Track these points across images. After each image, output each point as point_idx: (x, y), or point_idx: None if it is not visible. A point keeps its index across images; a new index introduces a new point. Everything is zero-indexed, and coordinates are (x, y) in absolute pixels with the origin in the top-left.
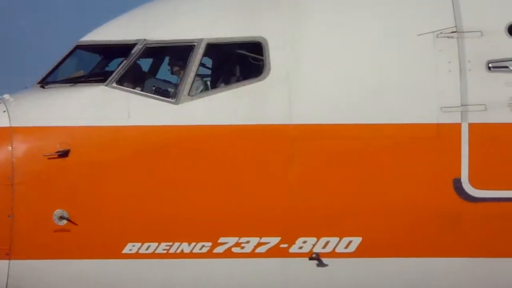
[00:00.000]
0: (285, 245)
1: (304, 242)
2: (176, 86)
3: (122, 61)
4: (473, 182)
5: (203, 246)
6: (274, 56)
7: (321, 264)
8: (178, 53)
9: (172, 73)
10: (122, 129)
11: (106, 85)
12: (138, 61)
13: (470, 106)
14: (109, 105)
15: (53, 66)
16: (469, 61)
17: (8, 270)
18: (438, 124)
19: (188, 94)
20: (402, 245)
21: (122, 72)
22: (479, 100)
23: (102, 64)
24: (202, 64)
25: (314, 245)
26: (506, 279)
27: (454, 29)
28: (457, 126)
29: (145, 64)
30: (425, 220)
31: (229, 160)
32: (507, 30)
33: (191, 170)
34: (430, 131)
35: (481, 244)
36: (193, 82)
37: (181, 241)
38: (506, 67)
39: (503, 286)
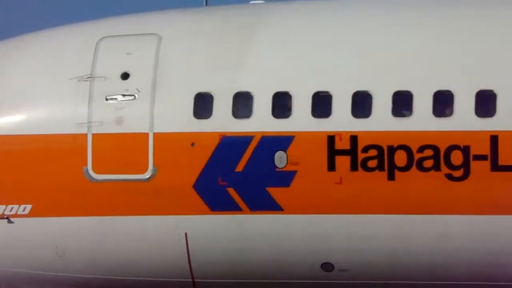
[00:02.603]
0: None
1: None
2: None
3: None
4: (94, 169)
5: None
6: None
7: (10, 222)
8: None
9: None
10: None
11: None
12: None
13: (93, 123)
14: None
15: None
16: (95, 95)
17: None
18: (75, 134)
19: None
20: (56, 208)
21: None
22: (98, 118)
23: None
24: None
25: (4, 210)
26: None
27: (90, 75)
28: (85, 136)
29: None
30: (70, 193)
31: None
32: (119, 76)
33: None
34: (70, 138)
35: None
36: None
37: None
38: (115, 98)
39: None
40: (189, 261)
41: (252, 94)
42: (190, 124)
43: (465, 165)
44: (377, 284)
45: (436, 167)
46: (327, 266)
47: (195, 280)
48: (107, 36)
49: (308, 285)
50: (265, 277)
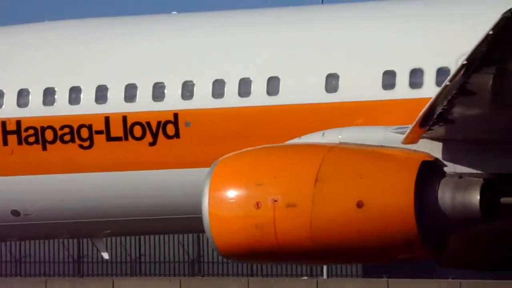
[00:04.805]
0: None
1: None
2: None
3: None
4: None
5: None
6: None
7: None
8: None
9: None
10: None
11: None
12: None
13: None
14: None
15: None
16: None
17: None
18: None
19: None
20: None
21: None
22: None
23: None
24: None
25: None
26: None
27: None
28: None
29: None
30: None
31: None
32: None
33: None
34: None
35: None
36: None
37: None
38: None
39: None
40: None
41: None
42: None
43: (90, 138)
44: (50, 223)
45: (72, 139)
46: (16, 212)
47: None
48: None
49: (4, 226)
50: None
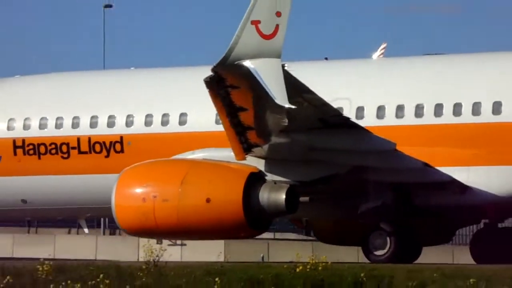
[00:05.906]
0: None
1: None
2: None
3: None
4: None
5: None
6: None
7: None
8: None
9: None
10: None
11: None
12: None
13: None
14: None
15: None
16: None
17: None
18: None
19: None
20: None
21: None
22: None
23: None
24: None
25: None
26: None
27: None
28: None
29: None
30: None
31: None
32: None
33: None
34: None
35: None
36: None
37: None
38: None
39: None
40: None
41: None
42: None
43: (68, 151)
44: (46, 208)
45: (57, 152)
46: (24, 201)
47: None
48: None
49: (18, 210)
50: None
